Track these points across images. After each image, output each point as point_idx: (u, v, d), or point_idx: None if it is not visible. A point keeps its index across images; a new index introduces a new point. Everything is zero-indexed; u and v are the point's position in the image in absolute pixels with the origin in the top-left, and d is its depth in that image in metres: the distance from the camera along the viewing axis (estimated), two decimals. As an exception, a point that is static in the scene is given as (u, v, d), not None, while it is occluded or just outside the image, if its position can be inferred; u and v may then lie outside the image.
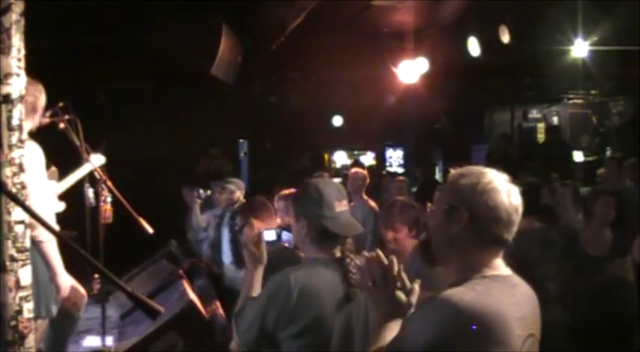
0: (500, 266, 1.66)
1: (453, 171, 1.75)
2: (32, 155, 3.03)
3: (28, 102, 2.98)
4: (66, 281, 3.31)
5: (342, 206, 2.29)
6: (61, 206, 3.70)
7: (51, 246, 3.18)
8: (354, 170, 6.63)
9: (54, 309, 3.25)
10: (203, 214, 6.63)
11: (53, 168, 3.78)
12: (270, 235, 2.71)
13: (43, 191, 3.17)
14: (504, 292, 1.60)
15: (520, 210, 1.65)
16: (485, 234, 1.62)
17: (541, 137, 12.89)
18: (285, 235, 2.77)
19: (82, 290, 3.65)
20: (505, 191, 1.63)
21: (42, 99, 3.28)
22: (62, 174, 3.94)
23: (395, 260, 1.75)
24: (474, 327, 1.50)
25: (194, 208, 6.69)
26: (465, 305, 1.50)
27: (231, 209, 6.09)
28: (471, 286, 1.57)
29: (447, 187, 1.69)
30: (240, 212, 3.60)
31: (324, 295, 2.13)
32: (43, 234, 3.07)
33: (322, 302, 2.13)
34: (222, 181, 6.32)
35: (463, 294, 1.53)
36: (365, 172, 6.31)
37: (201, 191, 6.52)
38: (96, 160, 3.88)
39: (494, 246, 1.64)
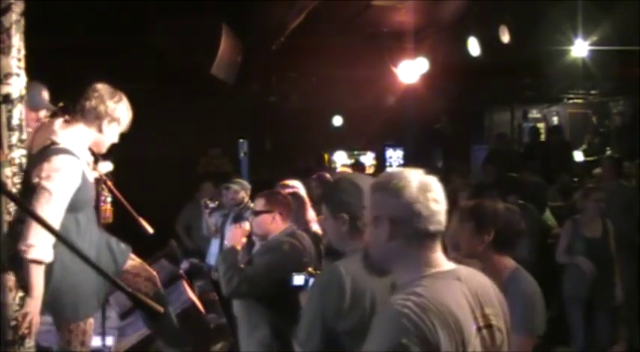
0: (442, 263, 1.66)
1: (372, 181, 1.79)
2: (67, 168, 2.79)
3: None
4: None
5: None
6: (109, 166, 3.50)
7: (39, 270, 2.66)
8: (338, 170, 6.64)
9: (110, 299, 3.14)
10: (211, 218, 6.54)
11: None
12: (298, 280, 2.73)
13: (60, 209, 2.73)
14: (448, 287, 1.61)
15: (440, 198, 1.64)
16: (412, 233, 1.62)
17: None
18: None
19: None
20: (417, 185, 1.62)
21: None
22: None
23: None
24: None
25: (203, 217, 6.62)
26: (407, 311, 1.51)
27: (235, 209, 6.05)
28: (411, 290, 1.58)
29: (370, 199, 1.72)
30: (264, 197, 3.56)
31: (375, 282, 2.07)
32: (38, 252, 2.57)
33: (374, 289, 2.08)
34: (227, 182, 6.26)
35: (404, 301, 1.54)
36: (350, 171, 6.31)
37: (209, 202, 6.47)
38: (103, 167, 3.85)
39: (426, 241, 1.64)
